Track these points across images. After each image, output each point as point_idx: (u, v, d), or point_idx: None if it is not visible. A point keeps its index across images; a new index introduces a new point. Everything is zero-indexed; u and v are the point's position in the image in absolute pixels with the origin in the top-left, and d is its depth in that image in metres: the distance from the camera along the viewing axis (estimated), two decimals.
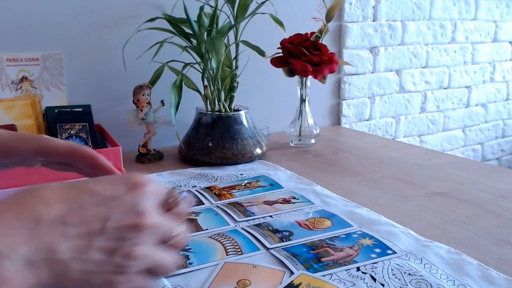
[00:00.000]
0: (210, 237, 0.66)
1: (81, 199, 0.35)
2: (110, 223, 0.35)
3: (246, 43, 1.05)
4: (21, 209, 0.33)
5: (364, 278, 0.55)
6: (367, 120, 1.59)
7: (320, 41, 1.12)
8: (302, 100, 1.19)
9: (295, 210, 0.76)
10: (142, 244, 0.36)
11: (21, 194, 0.34)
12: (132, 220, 0.36)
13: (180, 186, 0.88)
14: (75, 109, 1.00)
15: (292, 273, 0.57)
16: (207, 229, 0.69)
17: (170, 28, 1.05)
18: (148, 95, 1.02)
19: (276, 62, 1.14)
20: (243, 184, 0.88)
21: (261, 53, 1.05)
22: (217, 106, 1.05)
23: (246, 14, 1.03)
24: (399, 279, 0.55)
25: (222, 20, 1.07)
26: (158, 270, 0.38)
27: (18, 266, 0.31)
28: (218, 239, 0.65)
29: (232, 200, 0.81)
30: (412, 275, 0.56)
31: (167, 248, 0.39)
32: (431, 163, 1.06)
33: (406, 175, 0.96)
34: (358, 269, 0.58)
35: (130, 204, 0.36)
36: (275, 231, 0.68)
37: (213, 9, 1.01)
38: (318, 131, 1.21)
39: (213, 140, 1.01)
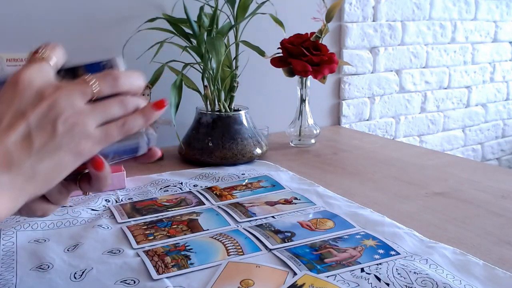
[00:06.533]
0: (211, 237, 0.66)
1: None
2: (27, 114, 0.37)
3: (246, 43, 1.05)
4: None
5: (369, 279, 0.55)
6: (367, 120, 1.59)
7: (320, 41, 1.12)
8: (302, 100, 1.19)
9: (297, 211, 0.76)
10: (66, 108, 0.38)
11: None
12: (40, 102, 0.38)
13: (182, 184, 0.88)
14: None
15: (295, 273, 0.56)
16: (208, 229, 0.69)
17: (170, 28, 1.04)
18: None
19: (276, 62, 1.14)
20: (244, 184, 0.88)
21: (261, 53, 1.05)
22: (217, 106, 1.05)
23: (246, 14, 1.03)
24: (404, 278, 0.55)
25: (222, 20, 1.07)
26: (116, 118, 0.40)
27: None
28: (220, 239, 0.65)
29: (233, 200, 0.81)
30: (417, 273, 0.55)
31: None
32: (431, 163, 1.06)
33: (406, 175, 0.96)
34: (362, 270, 0.57)
35: (27, 96, 0.38)
36: (277, 231, 0.67)
37: (213, 9, 1.00)
38: (318, 131, 1.21)
39: (213, 140, 1.01)
